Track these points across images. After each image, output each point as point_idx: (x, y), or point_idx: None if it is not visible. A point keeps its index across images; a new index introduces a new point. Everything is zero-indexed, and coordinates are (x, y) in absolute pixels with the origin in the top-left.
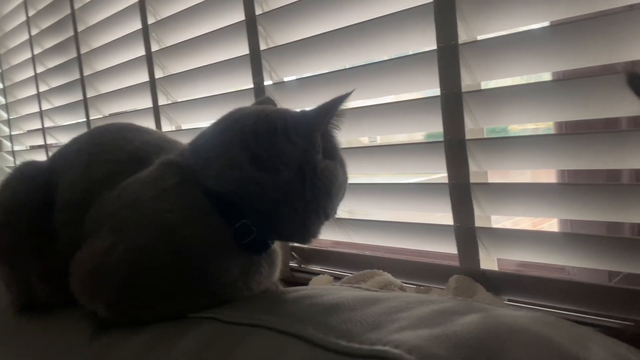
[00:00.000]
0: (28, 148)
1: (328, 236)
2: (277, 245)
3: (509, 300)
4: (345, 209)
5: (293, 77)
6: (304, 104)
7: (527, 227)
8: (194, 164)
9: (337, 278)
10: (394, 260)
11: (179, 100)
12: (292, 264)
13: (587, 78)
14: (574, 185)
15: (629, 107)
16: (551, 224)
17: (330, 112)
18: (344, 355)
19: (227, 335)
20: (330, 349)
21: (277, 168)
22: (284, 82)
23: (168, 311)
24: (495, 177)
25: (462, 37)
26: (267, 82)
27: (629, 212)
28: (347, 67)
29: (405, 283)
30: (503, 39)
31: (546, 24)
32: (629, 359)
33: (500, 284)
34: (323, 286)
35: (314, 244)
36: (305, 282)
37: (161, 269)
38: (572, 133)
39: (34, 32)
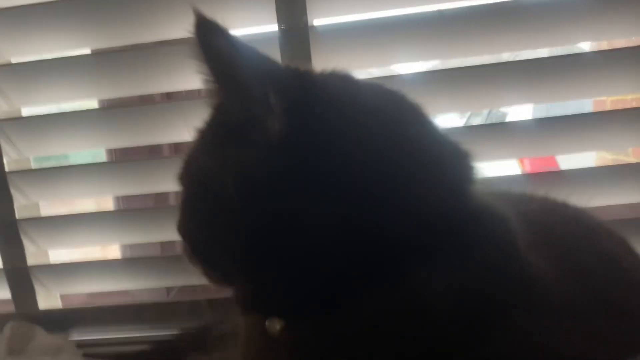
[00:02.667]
0: None
1: None
2: None
3: (80, 336)
4: None
5: None
6: None
7: (96, 257)
8: None
9: None
10: None
11: None
12: None
13: (131, 107)
14: (128, 211)
15: (169, 133)
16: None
17: None
18: None
19: None
20: None
21: None
22: None
23: None
24: (52, 208)
25: None
26: None
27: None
28: None
29: None
30: (42, 63)
31: (87, 51)
32: None
33: (66, 321)
34: None
35: None
36: None
37: None
38: (121, 160)
39: None
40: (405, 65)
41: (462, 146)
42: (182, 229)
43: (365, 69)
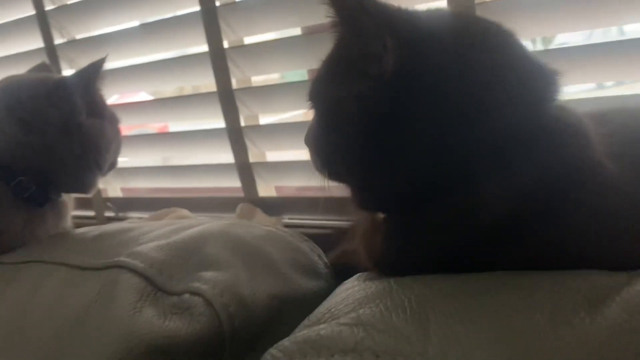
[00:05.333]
0: None
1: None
2: (67, 198)
3: (290, 219)
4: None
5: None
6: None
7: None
8: None
9: None
10: (193, 198)
11: None
12: (108, 213)
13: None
14: None
15: None
16: None
17: (88, 76)
18: (93, 270)
19: (5, 273)
20: (84, 267)
21: (43, 130)
22: (77, 40)
23: None
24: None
25: None
26: (59, 41)
27: None
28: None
29: (204, 216)
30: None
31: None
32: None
33: (279, 207)
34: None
35: (131, 193)
36: None
37: None
38: None
39: None
40: None
41: (548, 67)
42: (310, 141)
43: None
